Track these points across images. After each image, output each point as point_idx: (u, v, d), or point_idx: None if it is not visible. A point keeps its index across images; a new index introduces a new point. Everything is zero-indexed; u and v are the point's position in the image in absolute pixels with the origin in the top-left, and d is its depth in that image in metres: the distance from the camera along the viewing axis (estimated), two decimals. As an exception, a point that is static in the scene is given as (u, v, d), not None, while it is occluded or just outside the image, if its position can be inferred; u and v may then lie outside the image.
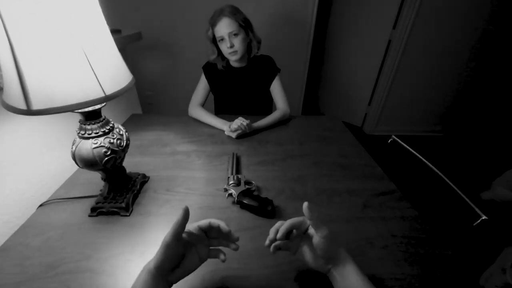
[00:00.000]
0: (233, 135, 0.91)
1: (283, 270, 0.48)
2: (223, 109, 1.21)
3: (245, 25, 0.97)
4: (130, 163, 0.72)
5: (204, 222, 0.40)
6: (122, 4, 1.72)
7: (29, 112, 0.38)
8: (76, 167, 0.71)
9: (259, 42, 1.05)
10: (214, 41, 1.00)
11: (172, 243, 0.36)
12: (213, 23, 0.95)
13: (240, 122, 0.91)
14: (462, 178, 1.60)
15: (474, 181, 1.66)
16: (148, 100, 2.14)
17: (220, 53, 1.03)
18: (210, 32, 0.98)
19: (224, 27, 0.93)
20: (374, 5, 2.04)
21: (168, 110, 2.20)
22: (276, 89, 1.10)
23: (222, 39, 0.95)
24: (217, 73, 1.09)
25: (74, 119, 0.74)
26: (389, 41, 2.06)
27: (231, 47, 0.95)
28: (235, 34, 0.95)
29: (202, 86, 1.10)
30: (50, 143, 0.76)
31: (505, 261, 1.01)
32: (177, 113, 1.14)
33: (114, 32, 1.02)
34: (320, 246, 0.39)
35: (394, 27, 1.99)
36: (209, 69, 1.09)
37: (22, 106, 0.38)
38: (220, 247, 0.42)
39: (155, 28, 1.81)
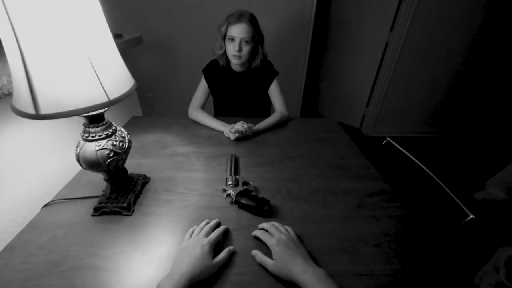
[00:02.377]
0: (232, 137, 0.93)
1: (279, 267, 0.50)
2: (222, 111, 1.23)
3: (257, 38, 1.01)
4: (132, 164, 0.74)
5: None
6: (122, 8, 1.74)
7: (37, 116, 0.40)
8: (79, 169, 0.74)
9: (264, 57, 1.09)
10: (224, 38, 1.02)
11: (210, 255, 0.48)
12: (230, 22, 0.96)
13: (240, 125, 0.92)
14: (456, 179, 1.62)
15: (468, 181, 1.68)
16: (148, 102, 2.17)
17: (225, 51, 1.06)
18: (223, 28, 0.98)
19: (240, 31, 0.95)
20: (371, 8, 2.07)
21: (168, 112, 2.22)
22: (274, 91, 1.12)
23: (233, 40, 0.97)
24: (217, 76, 1.11)
25: (76, 122, 0.76)
26: (386, 44, 2.09)
27: (239, 51, 0.98)
28: (246, 42, 0.97)
29: (202, 89, 1.12)
30: (54, 146, 0.78)
31: (498, 260, 1.03)
32: (177, 114, 1.16)
33: (116, 36, 1.04)
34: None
35: (391, 30, 2.02)
36: (209, 72, 1.11)
37: (31, 110, 0.40)
38: None
39: (154, 31, 1.84)
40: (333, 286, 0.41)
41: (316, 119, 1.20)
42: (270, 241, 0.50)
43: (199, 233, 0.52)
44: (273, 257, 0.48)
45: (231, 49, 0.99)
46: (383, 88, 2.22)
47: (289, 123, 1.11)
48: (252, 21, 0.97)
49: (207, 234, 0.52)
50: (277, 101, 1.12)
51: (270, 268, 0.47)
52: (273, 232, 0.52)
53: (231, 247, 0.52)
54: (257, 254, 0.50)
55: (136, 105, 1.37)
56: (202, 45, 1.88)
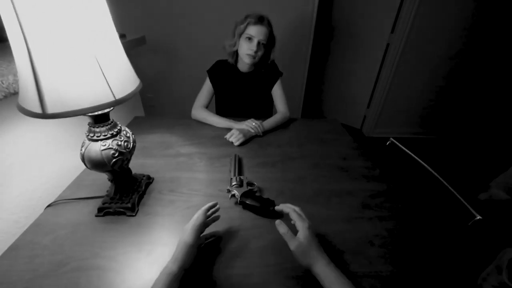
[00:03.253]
0: (236, 142, 0.92)
1: (284, 268, 0.50)
2: (224, 112, 1.23)
3: (272, 43, 1.04)
4: (135, 165, 0.73)
5: (205, 217, 0.52)
6: (125, 8, 1.74)
7: (44, 115, 0.40)
8: (82, 169, 0.74)
9: (271, 61, 1.11)
10: (240, 35, 1.02)
11: (196, 244, 0.46)
12: (250, 22, 0.97)
13: (253, 124, 0.95)
14: (459, 180, 1.61)
15: (472, 182, 1.68)
16: (149, 102, 2.17)
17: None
18: (243, 26, 0.99)
19: (260, 33, 0.97)
20: (373, 9, 2.08)
21: (170, 112, 2.22)
22: (277, 92, 1.13)
23: (250, 39, 0.99)
24: (223, 76, 1.12)
25: (80, 122, 0.76)
26: (388, 45, 2.09)
27: (256, 52, 0.99)
28: (263, 44, 1.00)
29: (206, 89, 1.12)
30: (57, 145, 0.77)
31: (501, 261, 1.03)
32: (178, 115, 1.16)
33: (119, 36, 1.04)
34: (294, 254, 0.45)
35: (392, 31, 2.03)
36: (214, 73, 1.12)
37: (38, 110, 0.40)
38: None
39: (157, 31, 1.84)
40: (350, 285, 0.41)
41: (319, 120, 1.20)
42: (302, 222, 0.47)
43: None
44: (301, 236, 0.45)
45: (247, 47, 1.00)
46: (384, 89, 2.22)
47: (291, 124, 1.11)
48: (271, 27, 1.00)
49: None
50: (279, 102, 1.13)
51: (295, 244, 0.44)
52: (303, 216, 0.49)
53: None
54: (283, 226, 0.47)
55: (138, 105, 1.37)
56: (205, 46, 1.88)
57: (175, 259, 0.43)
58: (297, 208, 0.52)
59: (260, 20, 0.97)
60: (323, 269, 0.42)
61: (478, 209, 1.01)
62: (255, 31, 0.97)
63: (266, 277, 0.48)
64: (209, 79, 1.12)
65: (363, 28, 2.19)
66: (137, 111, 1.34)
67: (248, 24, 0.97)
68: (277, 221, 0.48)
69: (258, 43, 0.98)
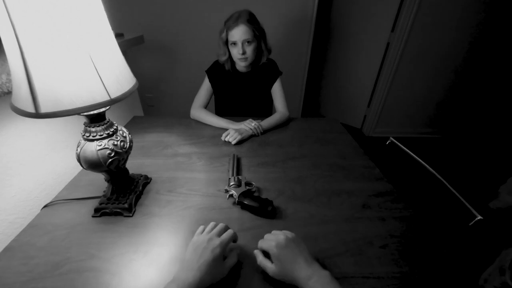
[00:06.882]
0: (233, 141, 0.91)
1: (283, 269, 0.49)
2: (224, 111, 1.22)
3: (259, 34, 1.00)
4: (133, 165, 0.73)
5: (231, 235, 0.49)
6: (123, 7, 1.74)
7: (37, 115, 0.39)
8: (79, 169, 0.73)
9: (269, 52, 1.08)
10: (226, 43, 1.02)
11: (221, 259, 0.44)
12: (229, 27, 0.96)
13: (248, 122, 0.94)
14: (464, 180, 1.60)
15: (477, 183, 1.66)
16: (149, 102, 2.16)
17: (230, 55, 1.05)
18: (224, 35, 0.98)
19: (240, 34, 0.95)
20: (373, 8, 2.07)
21: (169, 112, 2.22)
22: (276, 91, 1.12)
23: (235, 44, 0.97)
24: (222, 76, 1.11)
25: (77, 121, 0.75)
26: (388, 44, 2.08)
27: (243, 54, 0.98)
28: (249, 42, 0.97)
29: (205, 89, 1.12)
30: (54, 145, 0.77)
31: (503, 262, 1.02)
32: (177, 115, 1.15)
33: (117, 36, 1.03)
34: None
35: (392, 30, 2.02)
36: (213, 73, 1.11)
37: (31, 109, 0.39)
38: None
39: (155, 30, 1.83)
40: None
41: (319, 119, 1.20)
42: (270, 246, 0.46)
43: (211, 231, 0.48)
44: (273, 260, 0.45)
45: (236, 53, 0.99)
46: (384, 88, 2.21)
47: (291, 123, 1.10)
48: (251, 20, 0.96)
49: (219, 234, 0.48)
50: (278, 101, 1.12)
51: (270, 272, 0.45)
52: (271, 238, 0.48)
53: (238, 250, 0.50)
54: (258, 255, 0.47)
55: (137, 105, 1.36)
56: (203, 45, 1.88)
57: (191, 277, 0.40)
58: (269, 236, 0.50)
59: (237, 20, 0.94)
60: (309, 282, 0.41)
61: (490, 218, 0.99)
62: (236, 34, 0.95)
63: (266, 279, 0.47)
64: (208, 79, 1.11)
65: (363, 27, 2.18)
66: (136, 111, 1.34)
67: (227, 30, 0.96)
68: (255, 251, 0.49)
69: (243, 43, 0.97)
